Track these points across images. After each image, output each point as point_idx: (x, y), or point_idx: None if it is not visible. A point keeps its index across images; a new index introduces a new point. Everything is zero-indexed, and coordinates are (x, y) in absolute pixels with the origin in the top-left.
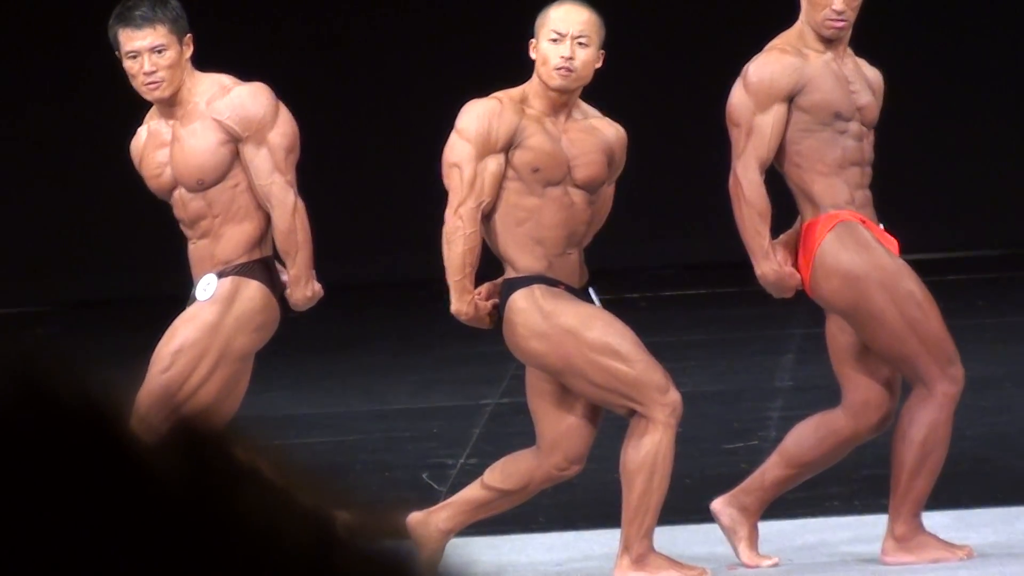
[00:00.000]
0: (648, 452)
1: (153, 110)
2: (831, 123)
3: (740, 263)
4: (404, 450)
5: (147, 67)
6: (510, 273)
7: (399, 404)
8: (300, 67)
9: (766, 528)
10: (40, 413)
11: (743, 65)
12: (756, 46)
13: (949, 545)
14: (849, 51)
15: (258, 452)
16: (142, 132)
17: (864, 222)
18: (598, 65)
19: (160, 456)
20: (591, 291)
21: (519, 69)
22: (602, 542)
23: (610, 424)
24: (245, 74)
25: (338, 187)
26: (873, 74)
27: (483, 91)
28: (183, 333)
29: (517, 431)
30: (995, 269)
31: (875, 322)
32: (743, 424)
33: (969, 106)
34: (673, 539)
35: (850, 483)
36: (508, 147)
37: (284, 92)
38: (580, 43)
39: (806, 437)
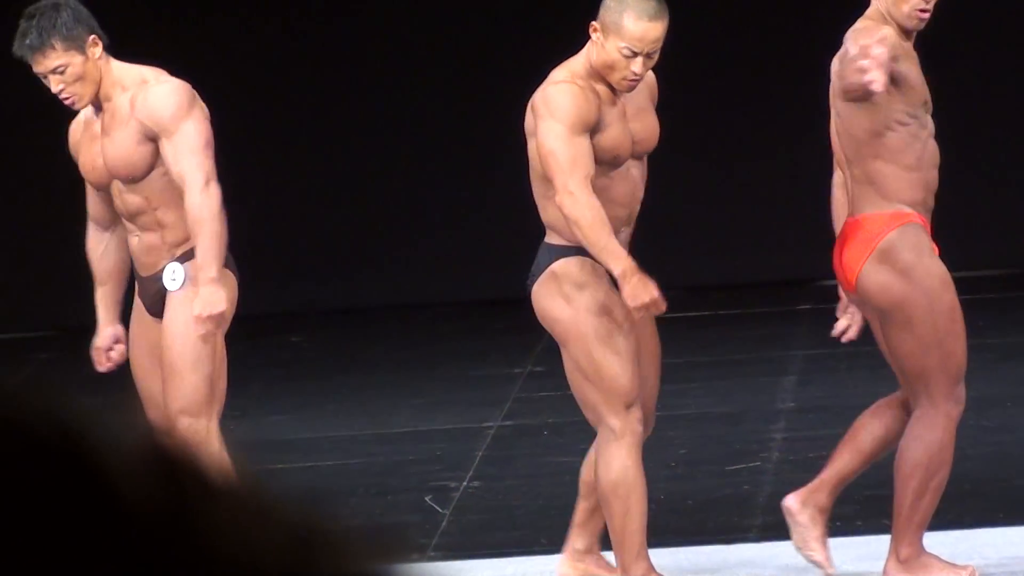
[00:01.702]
0: (619, 472)
1: None
2: (918, 115)
3: (742, 285)
4: (407, 473)
5: (55, 88)
6: (556, 240)
7: (402, 427)
8: (300, 90)
9: (769, 549)
10: (7, 437)
11: (753, 75)
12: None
13: (952, 566)
14: None
15: (234, 475)
16: (77, 122)
17: (925, 225)
18: None
19: (133, 479)
20: None
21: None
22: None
23: None
24: (251, 91)
25: (340, 210)
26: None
27: (488, 121)
28: (189, 330)
29: (520, 453)
30: (996, 289)
31: (908, 327)
32: (745, 445)
33: (969, 126)
34: (679, 560)
35: (852, 503)
36: (594, 129)
37: (284, 115)
38: (651, 58)
39: (870, 423)
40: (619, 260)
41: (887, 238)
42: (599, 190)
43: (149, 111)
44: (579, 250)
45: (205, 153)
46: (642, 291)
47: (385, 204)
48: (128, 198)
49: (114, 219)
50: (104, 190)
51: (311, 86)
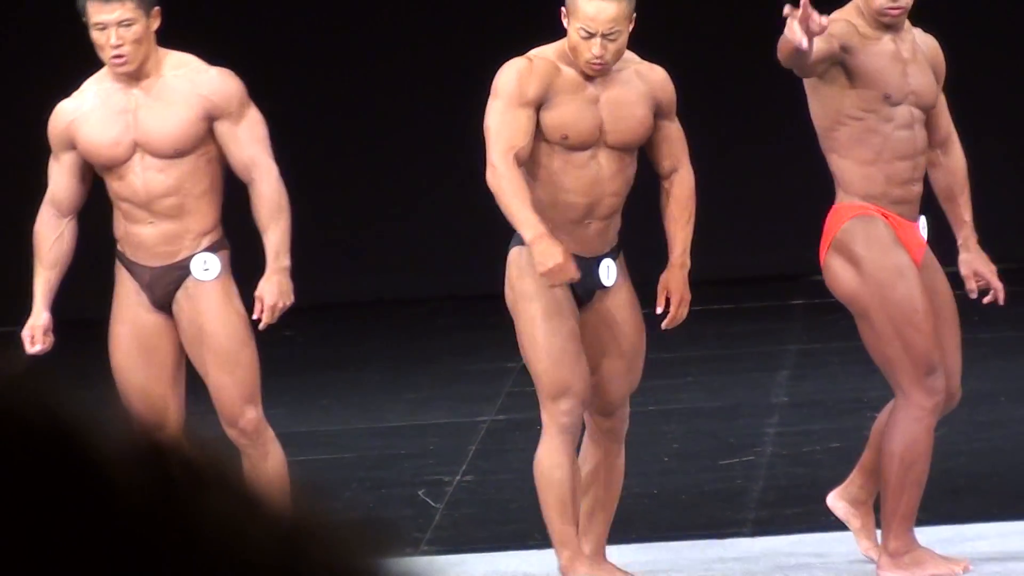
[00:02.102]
0: (537, 462)
1: (99, 77)
2: (876, 108)
3: (736, 280)
4: (401, 467)
5: (114, 40)
6: None
7: (396, 421)
8: (288, 83)
9: (762, 543)
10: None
11: (746, 70)
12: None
13: (945, 559)
14: (908, 26)
15: (224, 465)
16: (82, 98)
17: (887, 217)
18: (631, 28)
19: (124, 469)
20: (607, 262)
21: None
22: None
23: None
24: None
25: (333, 204)
26: (928, 47)
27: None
28: (233, 319)
29: (513, 448)
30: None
31: (865, 319)
32: (739, 440)
33: (965, 122)
34: (672, 554)
35: None
36: (539, 104)
37: (275, 110)
38: (610, 39)
39: (885, 416)
40: (530, 227)
41: (842, 230)
42: (551, 172)
43: (218, 91)
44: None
45: (266, 138)
46: (547, 257)
47: (378, 198)
48: (153, 178)
49: (77, 206)
50: (109, 170)
51: (299, 80)
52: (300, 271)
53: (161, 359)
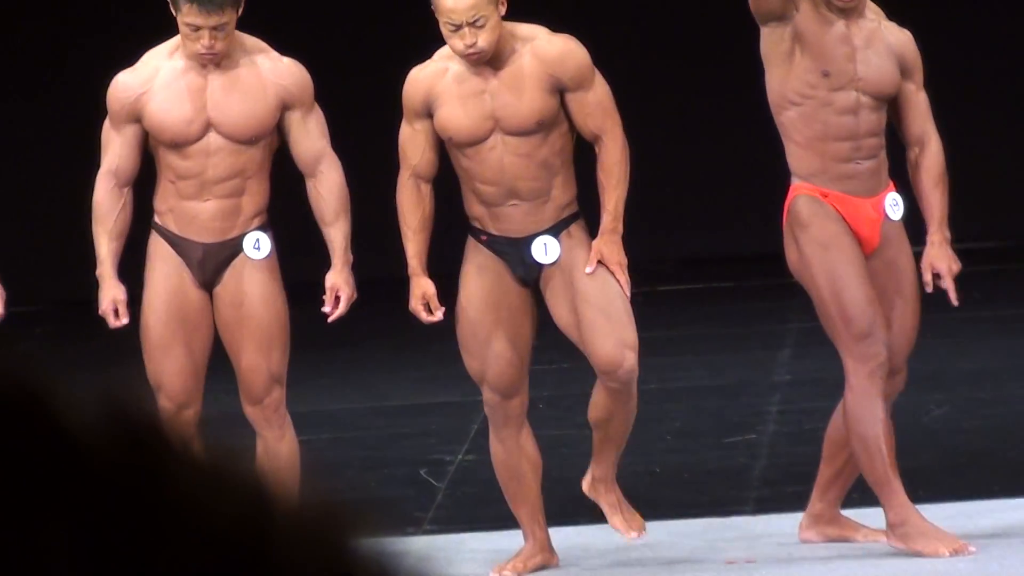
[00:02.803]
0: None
1: (166, 51)
2: (816, 93)
3: (737, 258)
4: (402, 446)
5: (207, 42)
6: None
7: (397, 401)
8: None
9: (764, 522)
10: None
11: (745, 57)
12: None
13: (949, 536)
14: (874, 16)
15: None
16: (149, 73)
17: (827, 196)
18: (502, 12)
19: (91, 437)
20: (543, 239)
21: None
22: (601, 537)
23: None
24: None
25: None
26: (897, 39)
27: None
28: (276, 299)
29: None
30: (991, 261)
31: (809, 292)
32: (741, 418)
33: (965, 100)
34: (672, 533)
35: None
36: (427, 113)
37: None
38: (477, 26)
39: (837, 420)
40: (409, 260)
41: (788, 210)
42: (463, 168)
43: (294, 81)
44: (469, 225)
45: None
46: (411, 296)
47: (378, 177)
48: (223, 160)
49: (135, 177)
50: (177, 146)
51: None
52: (301, 249)
53: (202, 336)
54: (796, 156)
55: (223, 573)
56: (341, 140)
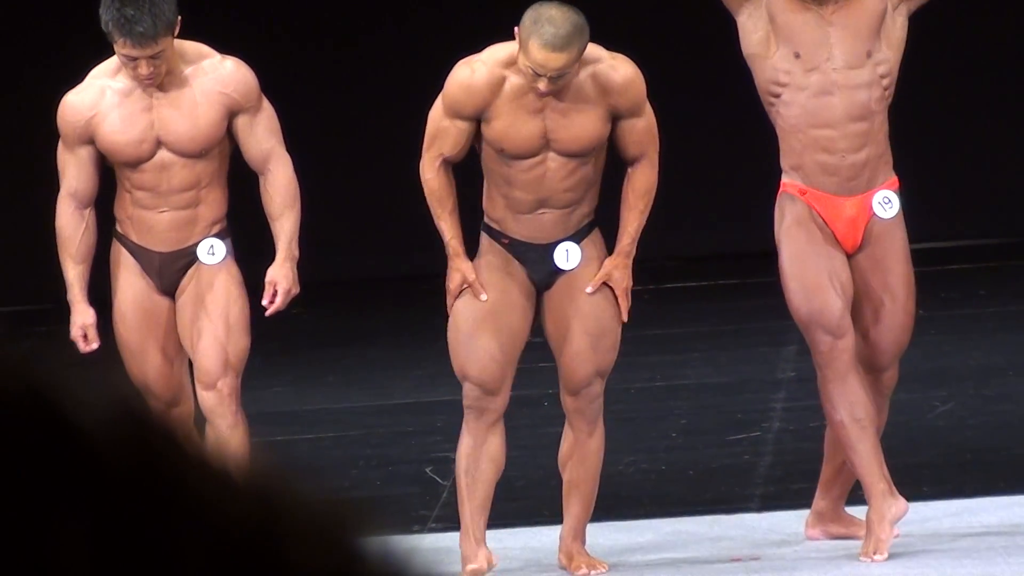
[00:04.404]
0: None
1: (109, 71)
2: (791, 81)
3: (741, 255)
4: (407, 444)
5: (144, 71)
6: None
7: (402, 399)
8: (299, 59)
9: (769, 519)
10: None
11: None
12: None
13: (858, 521)
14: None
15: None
16: (96, 94)
17: (804, 193)
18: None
19: (102, 436)
20: (567, 245)
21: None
22: (606, 534)
23: (611, 416)
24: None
25: (339, 181)
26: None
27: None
28: (237, 298)
29: (520, 424)
30: (996, 258)
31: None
32: (746, 415)
33: (970, 96)
34: (677, 530)
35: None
36: (476, 118)
37: (285, 83)
38: (556, 80)
39: None
40: (448, 242)
41: (775, 208)
42: (499, 173)
43: (238, 86)
44: (486, 225)
45: (279, 128)
46: (448, 278)
47: (383, 175)
48: (177, 174)
49: (95, 196)
50: (134, 165)
51: (305, 64)
52: (307, 248)
53: (175, 339)
54: (782, 150)
55: (234, 573)
56: (341, 140)
